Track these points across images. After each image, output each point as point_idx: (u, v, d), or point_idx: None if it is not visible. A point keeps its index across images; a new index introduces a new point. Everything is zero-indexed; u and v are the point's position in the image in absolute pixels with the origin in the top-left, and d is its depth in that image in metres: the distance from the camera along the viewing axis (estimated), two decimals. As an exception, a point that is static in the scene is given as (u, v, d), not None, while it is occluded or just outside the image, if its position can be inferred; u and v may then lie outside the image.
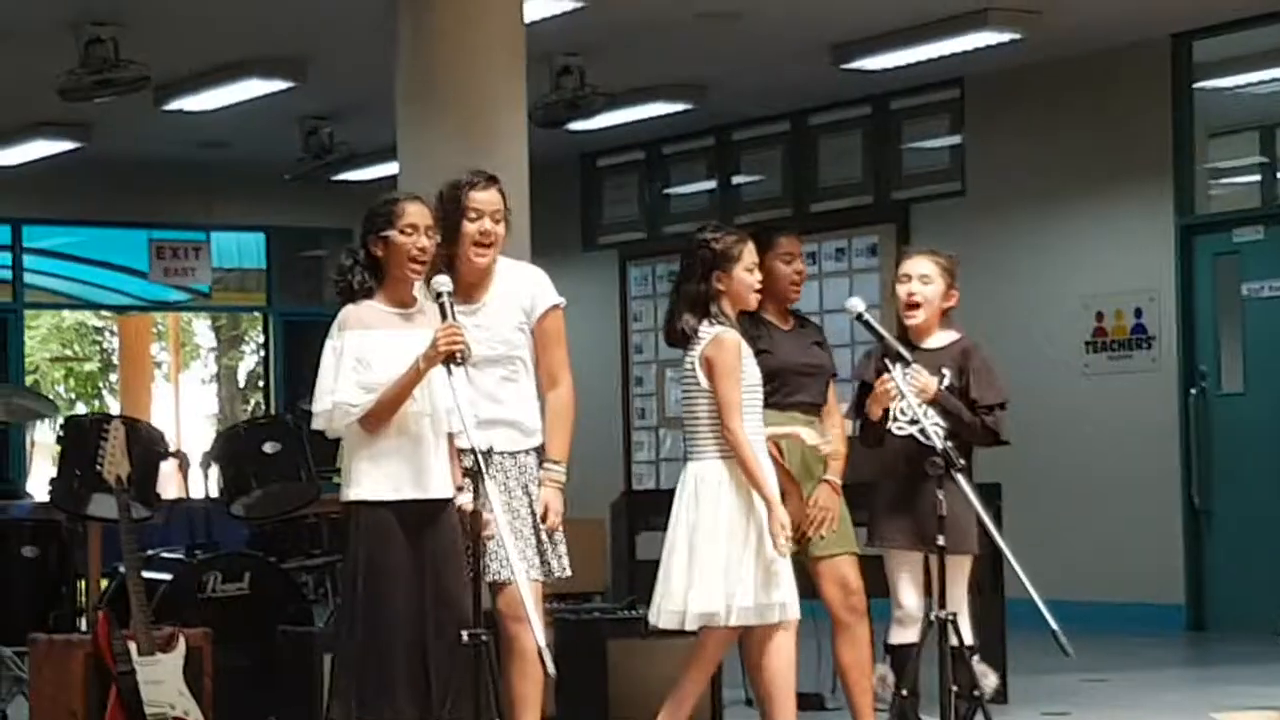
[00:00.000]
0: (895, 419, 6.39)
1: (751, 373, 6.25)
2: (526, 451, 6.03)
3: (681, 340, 6.28)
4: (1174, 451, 11.74)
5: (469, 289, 6.02)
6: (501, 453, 5.94)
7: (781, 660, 6.21)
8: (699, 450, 6.24)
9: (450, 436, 5.72)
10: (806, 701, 6.58)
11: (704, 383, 6.21)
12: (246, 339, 25.69)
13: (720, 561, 6.11)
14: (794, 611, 6.22)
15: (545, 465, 5.99)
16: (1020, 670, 7.84)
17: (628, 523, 7.58)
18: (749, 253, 6.38)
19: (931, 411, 6.37)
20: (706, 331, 6.23)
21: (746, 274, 6.36)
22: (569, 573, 6.04)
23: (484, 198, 6.01)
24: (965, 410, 6.43)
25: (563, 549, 6.03)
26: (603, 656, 7.13)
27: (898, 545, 6.45)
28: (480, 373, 5.97)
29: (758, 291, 6.37)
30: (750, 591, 6.12)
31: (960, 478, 6.16)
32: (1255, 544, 10.96)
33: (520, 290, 6.05)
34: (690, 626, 6.17)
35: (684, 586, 6.14)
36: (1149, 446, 11.82)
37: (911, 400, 6.34)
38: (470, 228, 5.98)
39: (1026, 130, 12.61)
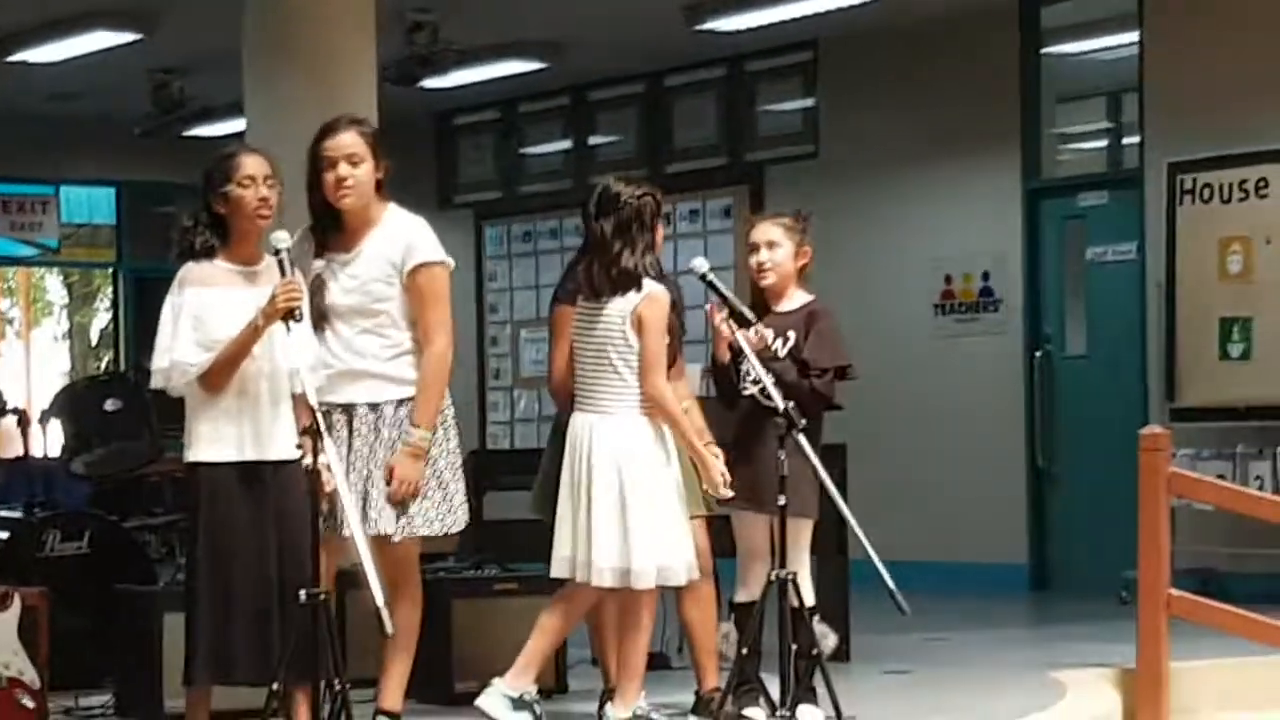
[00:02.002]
0: (741, 380, 6.42)
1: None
2: (395, 403, 5.91)
3: (624, 287, 6.18)
4: (1019, 413, 11.91)
5: (347, 237, 5.97)
6: (363, 405, 5.88)
7: (652, 621, 6.22)
8: (613, 404, 6.18)
9: (295, 396, 5.67)
10: (652, 661, 6.59)
11: (632, 339, 6.17)
12: (99, 295, 25.34)
13: (656, 521, 6.10)
14: (696, 571, 6.24)
15: (407, 428, 5.91)
16: (863, 630, 7.93)
17: (475, 482, 7.54)
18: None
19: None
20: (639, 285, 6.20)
21: (662, 227, 6.41)
22: (445, 529, 5.97)
23: (337, 142, 5.94)
24: (791, 371, 6.46)
25: (430, 505, 5.91)
26: (448, 616, 7.11)
27: (741, 507, 6.49)
28: (343, 323, 5.93)
29: None
30: (674, 552, 6.13)
31: (801, 438, 6.22)
32: (1097, 505, 11.13)
33: (394, 243, 5.94)
34: (638, 585, 6.13)
35: (620, 544, 6.09)
36: (994, 408, 11.97)
37: (754, 360, 6.38)
38: (328, 176, 5.92)
39: (879, 94, 12.69)
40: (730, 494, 6.23)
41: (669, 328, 6.43)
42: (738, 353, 6.41)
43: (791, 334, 6.56)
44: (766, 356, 6.42)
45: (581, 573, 6.16)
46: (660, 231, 6.40)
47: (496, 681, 6.25)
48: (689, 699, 6.68)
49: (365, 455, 5.90)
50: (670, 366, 6.68)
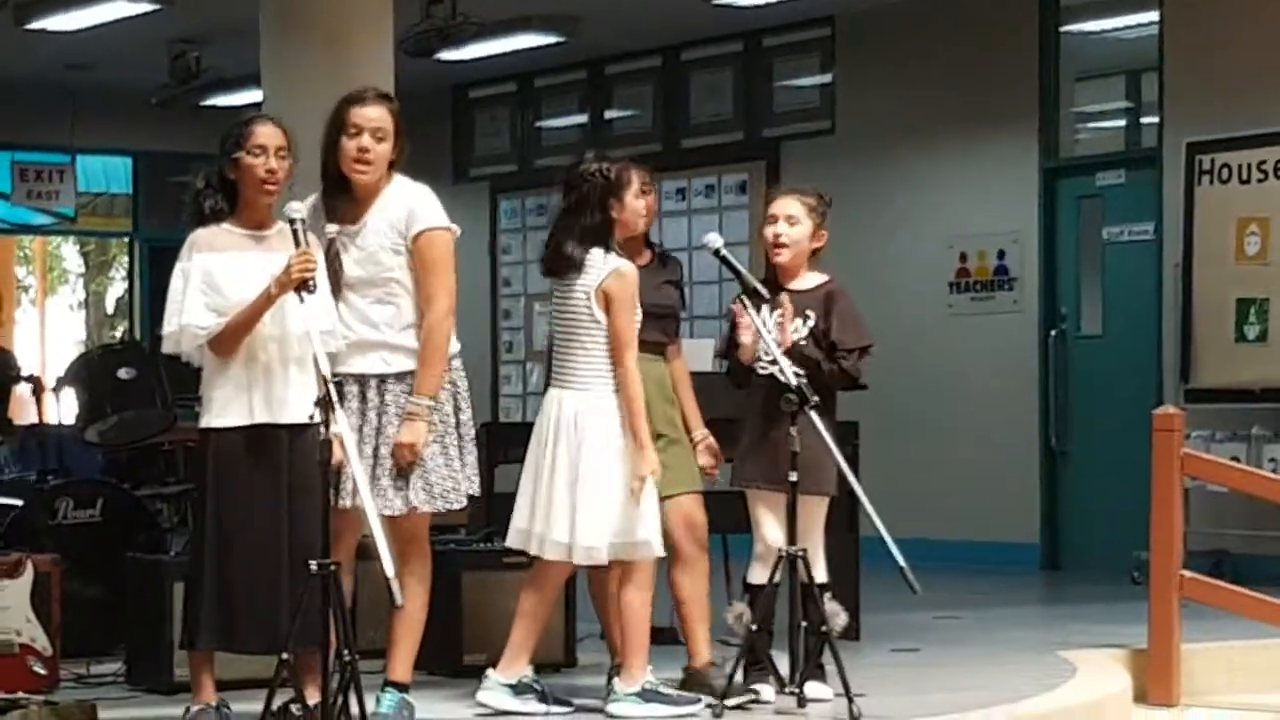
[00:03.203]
0: (759, 359, 6.41)
1: (637, 309, 6.24)
2: (405, 375, 5.89)
3: (566, 269, 6.19)
4: (1033, 392, 11.89)
5: (355, 208, 5.94)
6: (375, 376, 5.88)
7: (644, 595, 6.22)
8: (579, 381, 6.17)
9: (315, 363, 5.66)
10: (659, 635, 6.59)
11: (598, 315, 6.16)
12: (115, 264, 25.36)
13: (606, 498, 6.09)
14: (659, 549, 6.24)
15: (410, 398, 5.90)
16: (873, 608, 7.92)
17: (486, 455, 7.53)
18: (637, 179, 6.41)
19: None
20: (603, 262, 6.17)
21: (635, 201, 6.40)
22: (448, 505, 5.95)
23: (365, 113, 5.91)
24: (823, 358, 6.48)
25: (443, 476, 5.90)
26: (457, 589, 7.12)
27: (758, 485, 6.49)
28: (356, 294, 5.91)
29: None
30: (636, 528, 6.12)
31: (814, 415, 6.21)
32: (1110, 485, 11.12)
33: (397, 211, 5.92)
34: (577, 560, 6.15)
35: (569, 519, 6.10)
36: (1008, 387, 11.95)
37: (769, 339, 6.37)
38: (349, 144, 5.89)
39: (896, 70, 12.66)
40: (638, 499, 6.14)
41: (665, 310, 6.43)
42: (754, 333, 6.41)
43: (811, 314, 6.54)
44: (793, 346, 6.40)
45: (535, 545, 6.17)
46: (630, 206, 6.36)
47: (491, 673, 6.26)
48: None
49: (376, 428, 5.89)
50: (669, 344, 6.68)
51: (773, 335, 6.40)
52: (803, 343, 6.46)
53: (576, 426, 6.14)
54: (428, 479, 5.90)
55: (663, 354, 6.63)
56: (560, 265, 6.21)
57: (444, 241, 5.95)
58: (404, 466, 5.85)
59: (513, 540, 6.25)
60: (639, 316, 6.23)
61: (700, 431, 6.69)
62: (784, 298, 6.46)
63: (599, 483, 6.10)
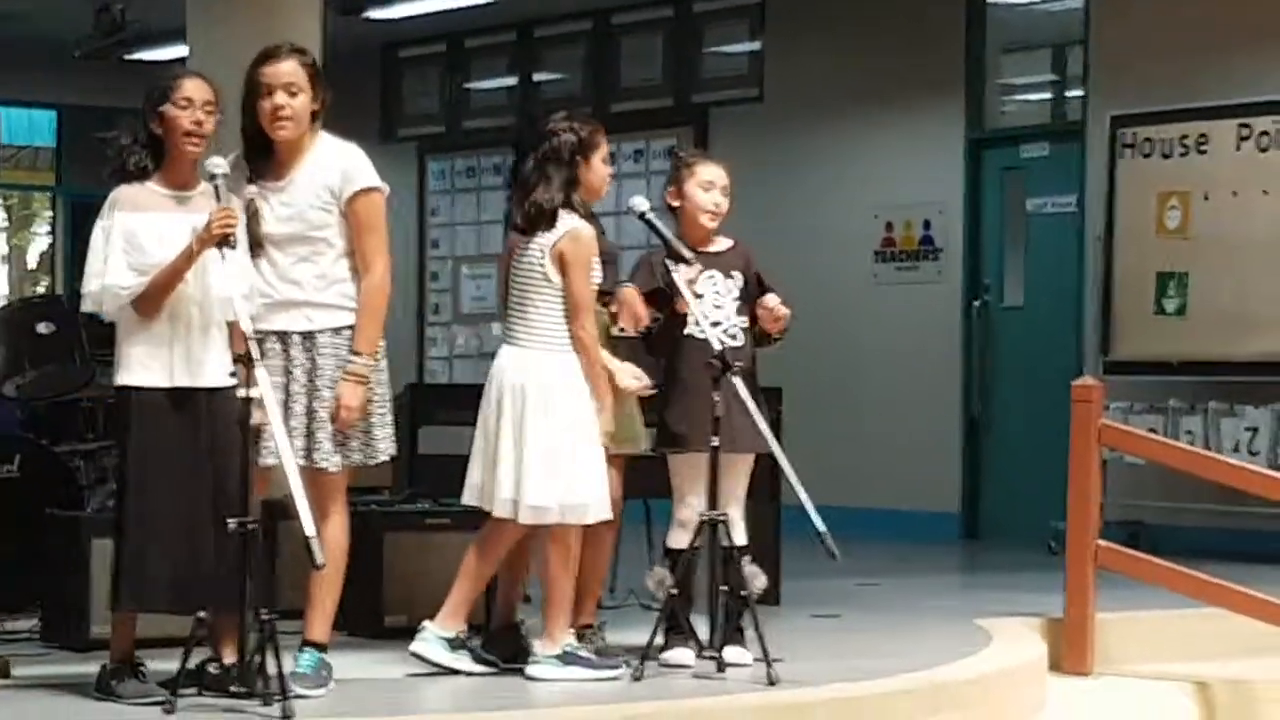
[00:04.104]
0: (697, 322, 6.41)
1: (597, 270, 6.22)
2: (330, 331, 5.86)
3: (538, 222, 6.15)
4: (955, 362, 11.96)
5: (279, 166, 5.90)
6: (297, 334, 5.85)
7: (571, 557, 6.21)
8: (530, 340, 6.16)
9: (230, 324, 5.64)
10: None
11: (552, 275, 6.14)
12: (37, 219, 25.11)
13: (554, 459, 6.08)
14: (607, 510, 6.24)
15: (349, 356, 5.86)
16: (794, 574, 7.96)
17: (410, 416, 7.52)
18: (604, 143, 6.37)
19: (726, 313, 6.45)
20: (560, 222, 6.16)
21: (602, 165, 6.36)
22: (380, 457, 5.93)
23: (276, 70, 5.86)
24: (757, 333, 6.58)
25: (377, 435, 5.89)
26: (379, 549, 7.10)
27: (681, 449, 6.49)
28: (279, 252, 5.88)
29: None
30: (580, 490, 6.12)
31: (737, 380, 6.24)
32: (1030, 455, 11.19)
33: (329, 170, 5.88)
34: (523, 520, 6.13)
35: (514, 477, 6.09)
36: (932, 357, 12.02)
37: (693, 305, 6.38)
38: (264, 104, 5.85)
39: (825, 39, 12.68)
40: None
41: (605, 258, 6.41)
42: (671, 300, 6.42)
43: (736, 274, 6.59)
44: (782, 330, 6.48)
45: (487, 502, 6.17)
46: (598, 168, 6.35)
47: (428, 625, 6.24)
48: (622, 637, 6.68)
49: (305, 386, 5.86)
50: (607, 295, 6.68)
51: (710, 300, 6.43)
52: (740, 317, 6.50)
53: (524, 385, 6.13)
54: (366, 436, 5.88)
55: (609, 300, 6.62)
56: (538, 219, 6.15)
57: (379, 202, 5.93)
58: (347, 427, 5.82)
59: (467, 497, 6.24)
60: (597, 277, 6.22)
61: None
62: (691, 262, 6.46)
63: (546, 443, 6.09)
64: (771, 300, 6.54)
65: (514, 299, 6.24)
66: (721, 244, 6.70)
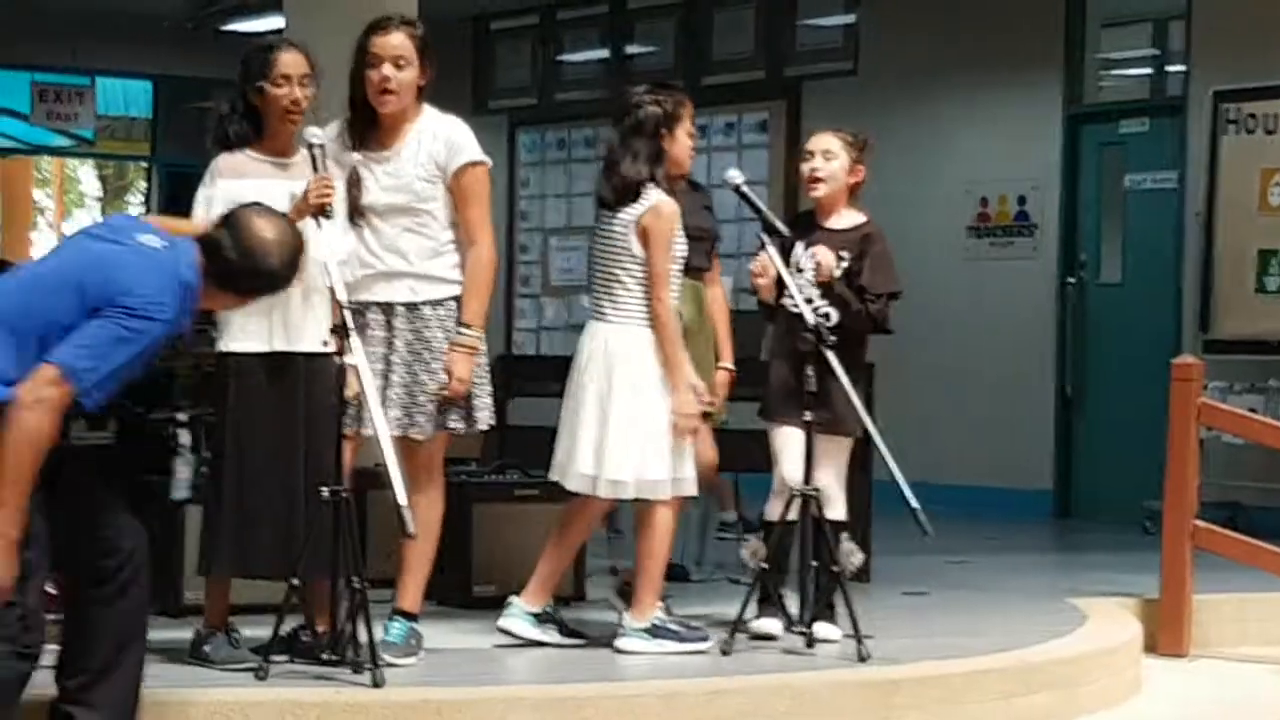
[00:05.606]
0: (791, 296, 6.36)
1: (680, 244, 6.18)
2: (433, 303, 5.87)
3: (625, 195, 6.11)
4: (1049, 339, 11.85)
5: (383, 136, 5.90)
6: (401, 304, 5.85)
7: (666, 532, 6.20)
8: (615, 315, 6.14)
9: (331, 290, 5.64)
10: (671, 572, 6.58)
11: (636, 249, 6.10)
12: (132, 189, 25.34)
13: (636, 433, 6.06)
14: (691, 487, 6.22)
15: (457, 328, 5.86)
16: (884, 551, 7.90)
17: (500, 388, 7.52)
18: (690, 114, 6.31)
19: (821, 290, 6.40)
20: (645, 196, 6.12)
21: (687, 137, 6.30)
22: (479, 426, 5.93)
23: (386, 41, 5.85)
24: (854, 299, 6.45)
25: (477, 404, 5.88)
26: (468, 520, 7.11)
27: (781, 421, 6.45)
28: (385, 222, 5.88)
29: None
30: (660, 465, 6.09)
31: (831, 356, 6.18)
32: (1125, 434, 11.09)
33: (435, 142, 5.88)
34: (601, 494, 6.13)
35: (594, 452, 6.08)
36: (1025, 333, 11.91)
37: (787, 278, 6.33)
38: (371, 74, 5.85)
39: (920, 12, 12.57)
40: (683, 436, 6.12)
41: (701, 233, 6.37)
42: (776, 277, 6.37)
43: (845, 254, 6.50)
44: (825, 281, 6.37)
45: (564, 477, 6.15)
46: (682, 140, 6.29)
47: (515, 600, 6.24)
48: (709, 610, 6.66)
49: (407, 358, 5.86)
50: (705, 273, 6.64)
51: (807, 275, 6.37)
52: (838, 282, 6.42)
53: (609, 361, 6.10)
54: (468, 404, 5.88)
55: (702, 279, 6.58)
56: (624, 193, 6.11)
57: (484, 176, 5.94)
58: (458, 397, 5.82)
59: (554, 473, 6.22)
60: (681, 252, 6.19)
61: (725, 363, 6.64)
62: (815, 254, 6.39)
63: (629, 418, 6.06)
64: (825, 257, 6.41)
65: (599, 274, 6.21)
66: (845, 219, 6.60)
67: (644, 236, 6.10)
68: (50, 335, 4.45)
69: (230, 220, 4.78)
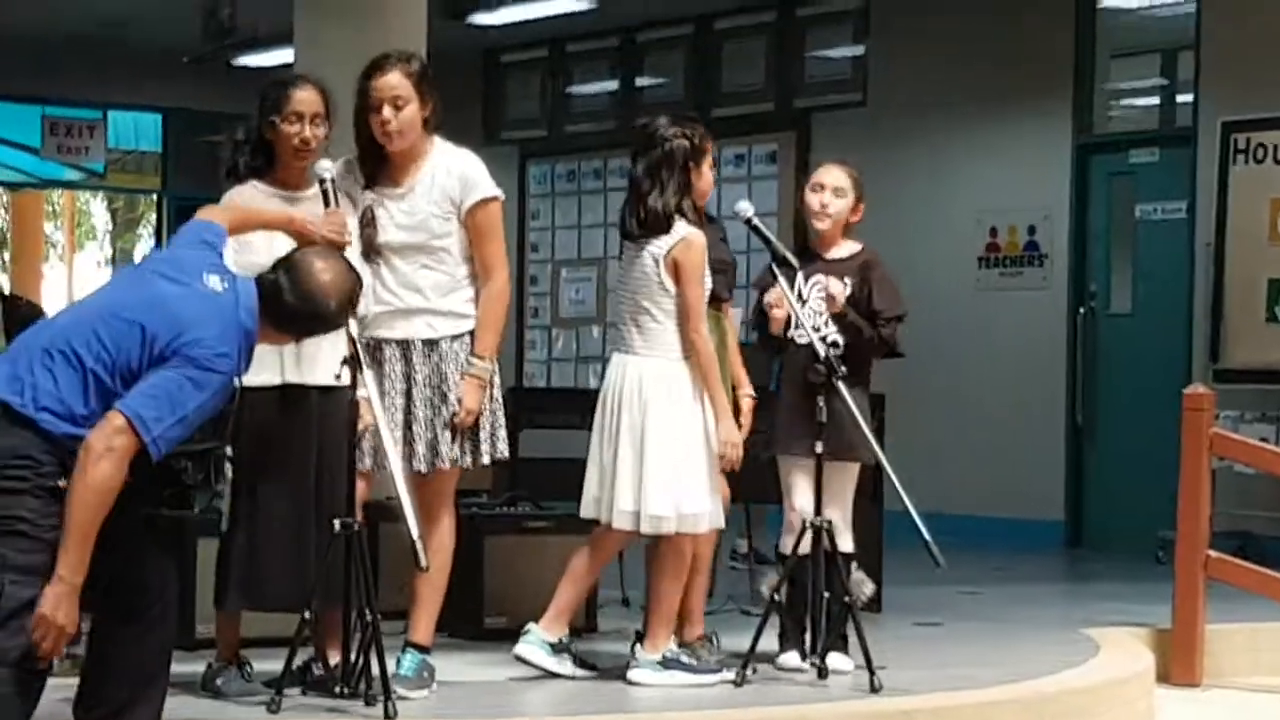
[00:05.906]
0: (798, 327, 6.39)
1: (708, 277, 6.19)
2: (450, 338, 5.88)
3: (653, 228, 6.12)
4: (1060, 370, 11.85)
5: (395, 173, 5.91)
6: (420, 341, 5.85)
7: (683, 565, 6.20)
8: (645, 348, 6.13)
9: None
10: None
11: (667, 283, 6.11)
12: (143, 222, 25.41)
13: (673, 468, 6.06)
14: (721, 520, 6.23)
15: (469, 359, 5.87)
16: (895, 581, 7.90)
17: (511, 420, 7.52)
18: (710, 148, 6.34)
19: (829, 320, 6.42)
20: (674, 228, 6.12)
21: (709, 170, 6.33)
22: (497, 455, 5.94)
23: (381, 83, 5.86)
24: (866, 325, 6.48)
25: (489, 434, 5.89)
26: (480, 552, 7.11)
27: (791, 453, 6.46)
28: (401, 260, 5.89)
29: None
30: (699, 499, 6.10)
31: (842, 386, 6.19)
32: (1136, 464, 11.08)
33: (449, 178, 5.89)
34: (644, 530, 6.11)
35: (634, 488, 6.07)
36: (1036, 364, 11.91)
37: (797, 310, 6.36)
38: (373, 117, 5.86)
39: (929, 43, 12.60)
40: (732, 466, 6.14)
41: (721, 265, 6.39)
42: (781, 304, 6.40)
43: (848, 280, 6.54)
44: (837, 312, 6.40)
45: (605, 514, 6.14)
46: (705, 174, 6.32)
47: (533, 628, 6.23)
48: (726, 643, 6.65)
49: (428, 394, 5.86)
50: (723, 303, 6.66)
51: (812, 306, 6.40)
52: (849, 310, 6.46)
53: (641, 395, 6.10)
54: (481, 435, 5.89)
55: (720, 308, 6.60)
56: (655, 224, 6.10)
57: (498, 211, 5.96)
58: (465, 428, 5.83)
59: (586, 510, 6.20)
60: (709, 285, 6.19)
61: (746, 390, 6.65)
62: (823, 285, 6.43)
63: (667, 452, 6.06)
64: (834, 287, 6.45)
65: (626, 308, 6.20)
66: (845, 249, 6.65)
67: (675, 270, 6.10)
68: (113, 375, 4.45)
69: (290, 263, 4.78)
